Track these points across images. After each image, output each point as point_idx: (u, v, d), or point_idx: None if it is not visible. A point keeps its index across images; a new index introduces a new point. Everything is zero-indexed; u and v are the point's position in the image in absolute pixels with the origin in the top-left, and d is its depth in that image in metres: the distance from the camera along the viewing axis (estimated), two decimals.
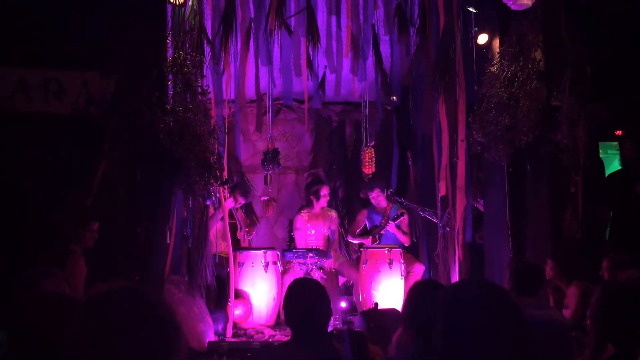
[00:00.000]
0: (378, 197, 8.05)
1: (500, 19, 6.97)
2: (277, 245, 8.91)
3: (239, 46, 6.97)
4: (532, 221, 6.73)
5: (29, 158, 6.48)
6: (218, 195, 6.69)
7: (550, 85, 6.64)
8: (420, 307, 3.26)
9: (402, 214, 7.81)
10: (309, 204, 8.13)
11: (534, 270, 4.61)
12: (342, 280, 8.20)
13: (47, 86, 6.62)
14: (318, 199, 8.01)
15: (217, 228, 7.16)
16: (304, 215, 8.09)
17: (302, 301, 3.38)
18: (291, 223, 8.57)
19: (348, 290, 8.30)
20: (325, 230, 8.04)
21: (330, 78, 8.10)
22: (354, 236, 8.26)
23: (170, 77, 6.20)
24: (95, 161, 6.12)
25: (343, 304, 7.53)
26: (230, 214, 7.66)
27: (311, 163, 10.09)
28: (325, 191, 8.06)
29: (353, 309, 7.74)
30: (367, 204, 8.40)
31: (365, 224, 8.26)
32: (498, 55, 6.82)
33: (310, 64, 7.17)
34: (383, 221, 7.90)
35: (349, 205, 9.90)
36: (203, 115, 6.28)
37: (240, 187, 8.21)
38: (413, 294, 3.52)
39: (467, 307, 2.02)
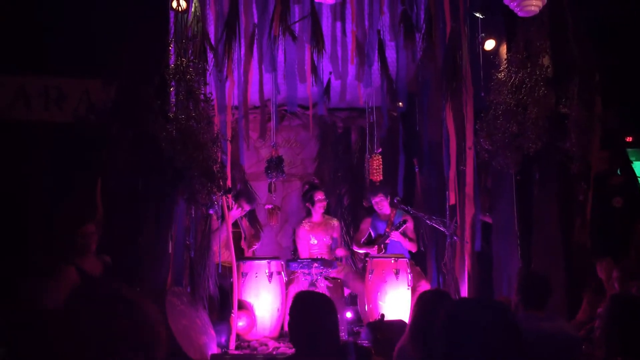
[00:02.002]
0: (381, 203, 7.91)
1: (507, 24, 6.90)
2: (281, 254, 8.83)
3: (242, 52, 6.90)
4: (540, 229, 6.64)
5: (29, 166, 6.44)
6: (221, 203, 6.60)
7: (558, 92, 6.56)
8: (426, 318, 3.20)
9: (405, 222, 7.68)
10: (308, 213, 8.11)
11: (541, 283, 4.53)
12: (347, 290, 8.11)
13: (48, 94, 6.59)
14: (313, 204, 7.95)
15: (220, 238, 7.07)
16: (305, 226, 8.04)
17: (307, 316, 3.30)
18: (295, 233, 8.50)
19: (354, 300, 8.19)
20: (327, 240, 7.97)
21: (335, 84, 8.00)
22: (359, 245, 8.16)
23: (173, 84, 6.13)
24: (97, 169, 6.07)
25: (349, 315, 7.43)
26: (235, 223, 7.58)
27: (316, 170, 10.01)
28: (319, 196, 7.98)
29: (359, 319, 7.64)
30: (371, 212, 8.30)
31: (370, 233, 8.16)
32: (505, 62, 6.73)
33: (314, 70, 7.09)
34: (387, 230, 7.80)
35: (354, 212, 9.81)
36: (206, 123, 6.20)
37: (244, 193, 8.13)
38: (419, 305, 3.46)
39: (466, 328, 1.98)
